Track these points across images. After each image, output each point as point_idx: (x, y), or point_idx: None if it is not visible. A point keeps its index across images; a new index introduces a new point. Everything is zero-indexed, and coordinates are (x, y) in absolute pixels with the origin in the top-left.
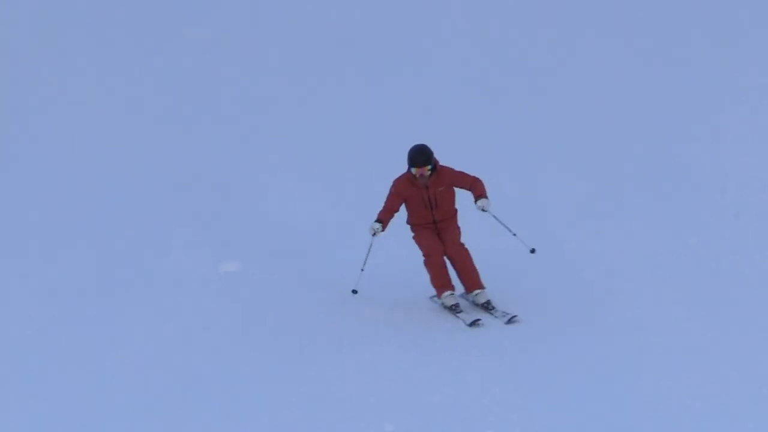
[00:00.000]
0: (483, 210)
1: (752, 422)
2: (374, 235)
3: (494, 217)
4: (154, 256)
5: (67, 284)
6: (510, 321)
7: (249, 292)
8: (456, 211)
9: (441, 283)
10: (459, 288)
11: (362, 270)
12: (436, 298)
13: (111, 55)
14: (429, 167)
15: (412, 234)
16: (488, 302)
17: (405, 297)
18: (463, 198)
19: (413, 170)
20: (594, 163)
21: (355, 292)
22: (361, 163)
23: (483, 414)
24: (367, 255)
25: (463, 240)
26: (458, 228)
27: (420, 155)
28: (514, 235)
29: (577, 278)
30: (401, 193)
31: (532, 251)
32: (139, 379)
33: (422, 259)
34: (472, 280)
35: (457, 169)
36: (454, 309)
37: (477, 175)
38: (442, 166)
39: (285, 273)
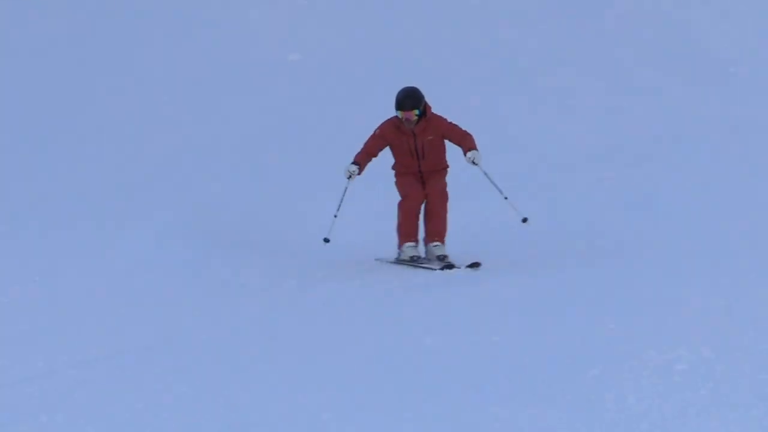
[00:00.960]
0: (473, 163)
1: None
2: (349, 178)
3: (485, 173)
4: None
5: None
6: (446, 267)
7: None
8: (447, 166)
9: (406, 231)
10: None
11: (335, 216)
12: (384, 260)
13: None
14: (416, 112)
15: (395, 177)
16: (444, 257)
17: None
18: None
19: (399, 114)
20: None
21: (326, 240)
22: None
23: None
24: (341, 200)
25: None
26: (445, 184)
27: (407, 98)
28: (506, 198)
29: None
30: (385, 136)
31: (524, 220)
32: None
33: (397, 203)
34: (436, 234)
35: (451, 120)
36: (411, 261)
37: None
38: (433, 114)
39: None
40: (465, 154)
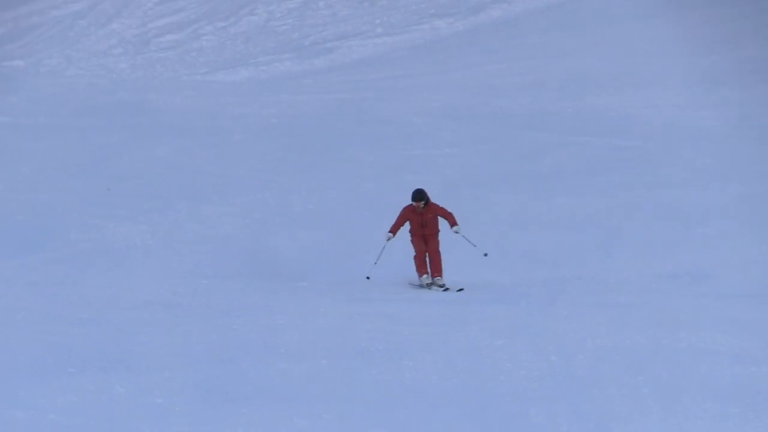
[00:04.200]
0: (456, 233)
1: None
2: (388, 240)
3: (464, 237)
4: None
5: None
6: (445, 289)
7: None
8: (439, 230)
9: (422, 270)
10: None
11: (375, 263)
12: (413, 284)
13: None
14: (423, 203)
15: (410, 238)
16: (443, 285)
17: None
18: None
19: (413, 203)
20: None
21: (368, 278)
22: None
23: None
24: (380, 253)
25: (441, 249)
26: (438, 241)
27: (418, 195)
28: (480, 251)
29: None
30: (406, 216)
31: (485, 255)
32: None
33: (413, 254)
34: (437, 271)
35: (441, 205)
36: (427, 286)
37: (451, 211)
38: (432, 203)
39: None
40: (451, 227)
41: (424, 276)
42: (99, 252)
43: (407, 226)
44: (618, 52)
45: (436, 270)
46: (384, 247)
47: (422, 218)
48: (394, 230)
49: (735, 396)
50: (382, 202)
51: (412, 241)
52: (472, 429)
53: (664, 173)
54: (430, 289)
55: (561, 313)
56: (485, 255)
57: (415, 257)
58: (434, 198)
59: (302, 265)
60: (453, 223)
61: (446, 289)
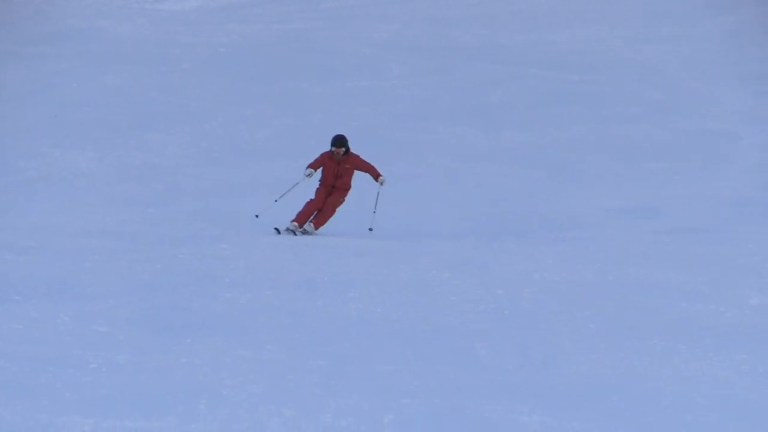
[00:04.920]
0: (382, 184)
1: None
2: (308, 176)
3: (377, 195)
4: None
5: None
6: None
7: None
8: (350, 187)
9: (302, 218)
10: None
11: (276, 201)
12: (278, 228)
13: None
14: (343, 149)
15: (318, 186)
16: (305, 231)
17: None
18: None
19: (333, 149)
20: None
21: (257, 216)
22: None
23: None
24: (288, 190)
25: (339, 209)
26: (342, 200)
27: (337, 140)
28: (374, 212)
29: None
30: (322, 161)
31: (370, 230)
32: None
33: (308, 199)
34: (317, 224)
35: (364, 158)
36: (287, 231)
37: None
38: (352, 153)
39: None
40: (376, 180)
41: (294, 224)
42: (45, 180)
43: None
44: None
45: (318, 221)
46: (296, 184)
47: (338, 168)
48: (313, 167)
49: (682, 332)
50: (329, 133)
51: (317, 189)
52: (416, 362)
53: (613, 108)
54: (287, 233)
55: (508, 247)
56: (370, 230)
57: (308, 202)
58: (382, 129)
59: (249, 196)
60: (377, 174)
61: (303, 231)
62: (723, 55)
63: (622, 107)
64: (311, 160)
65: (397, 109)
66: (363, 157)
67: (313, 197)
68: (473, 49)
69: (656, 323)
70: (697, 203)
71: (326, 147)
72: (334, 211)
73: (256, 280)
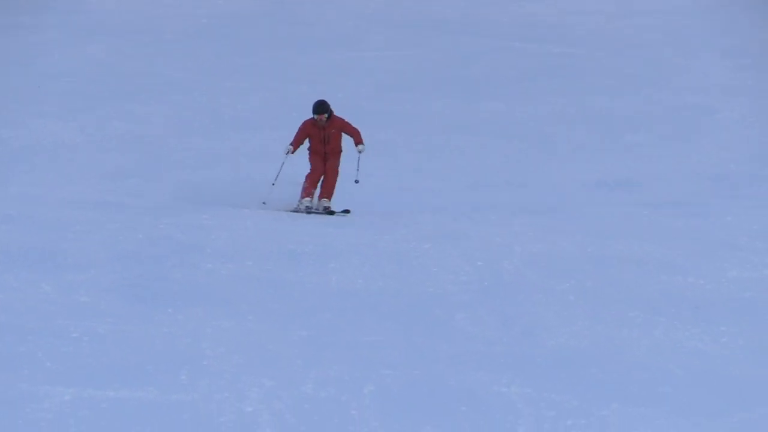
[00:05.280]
0: (359, 152)
1: None
2: (287, 153)
3: (358, 160)
4: None
5: None
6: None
7: None
8: (341, 150)
9: (308, 192)
10: None
11: (273, 184)
12: (287, 209)
13: None
14: (325, 115)
15: (308, 155)
16: (327, 208)
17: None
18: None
19: (315, 116)
20: None
21: (264, 203)
22: None
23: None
24: (279, 171)
25: (339, 170)
26: (339, 162)
27: (319, 106)
28: (356, 182)
29: None
30: (305, 130)
31: (356, 182)
32: None
33: (306, 172)
34: (327, 192)
35: (347, 120)
36: (305, 210)
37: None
38: (335, 116)
39: None
40: (356, 146)
41: (306, 199)
42: (27, 150)
43: (307, 144)
44: None
45: (326, 190)
46: (282, 164)
47: (324, 133)
48: (294, 144)
49: (660, 304)
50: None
51: (310, 158)
52: (396, 333)
53: (593, 81)
54: (308, 213)
55: (488, 218)
56: (356, 182)
57: (308, 175)
58: (364, 101)
59: (232, 167)
60: (359, 141)
61: (330, 212)
62: (703, 28)
63: (601, 80)
64: (295, 131)
65: (379, 80)
66: (347, 120)
67: (308, 171)
68: (454, 22)
69: (635, 295)
70: (676, 176)
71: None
72: (336, 173)
73: (238, 251)
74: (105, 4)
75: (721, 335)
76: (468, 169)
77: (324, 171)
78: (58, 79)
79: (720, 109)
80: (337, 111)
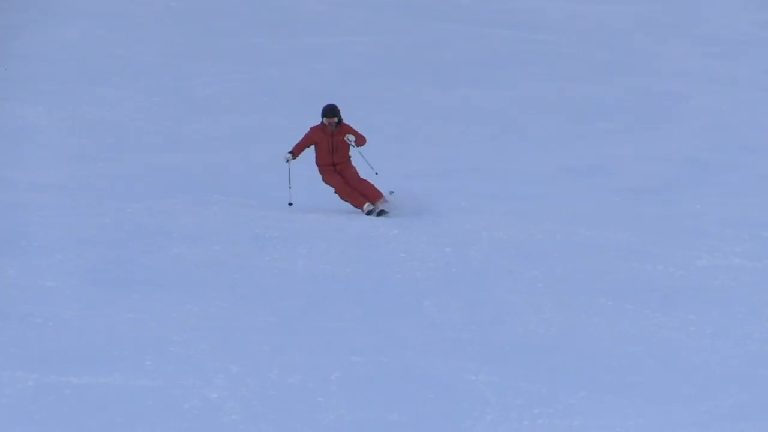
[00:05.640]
0: (348, 141)
1: None
2: (287, 161)
3: (360, 153)
4: None
5: None
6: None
7: None
8: (350, 156)
9: (358, 202)
10: None
11: (290, 188)
12: (364, 213)
13: None
14: (335, 119)
15: (321, 176)
16: (383, 210)
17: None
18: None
19: (324, 120)
20: None
21: (290, 204)
22: None
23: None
24: (289, 176)
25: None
26: (354, 167)
27: (330, 110)
28: (376, 173)
29: None
30: (312, 138)
31: (376, 173)
32: None
33: (333, 192)
34: (376, 196)
35: (354, 128)
36: (378, 214)
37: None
38: (344, 123)
39: None
40: (351, 139)
41: (366, 204)
42: None
43: (312, 153)
44: None
45: (375, 195)
46: (289, 170)
47: (332, 141)
48: (295, 151)
49: (629, 292)
50: (283, 88)
51: (324, 178)
52: (364, 318)
53: (566, 67)
54: (380, 215)
55: (457, 204)
56: (376, 173)
57: (338, 193)
58: (336, 86)
59: (201, 152)
60: (361, 142)
61: (382, 212)
62: (676, 16)
63: (575, 67)
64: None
65: (351, 66)
66: (355, 128)
67: (335, 189)
68: (427, 7)
69: (604, 283)
70: (646, 164)
71: (285, 105)
72: (364, 179)
73: (205, 235)
74: None
75: (689, 324)
76: (439, 155)
77: (349, 184)
78: (26, 61)
79: (692, 96)
80: (309, 97)
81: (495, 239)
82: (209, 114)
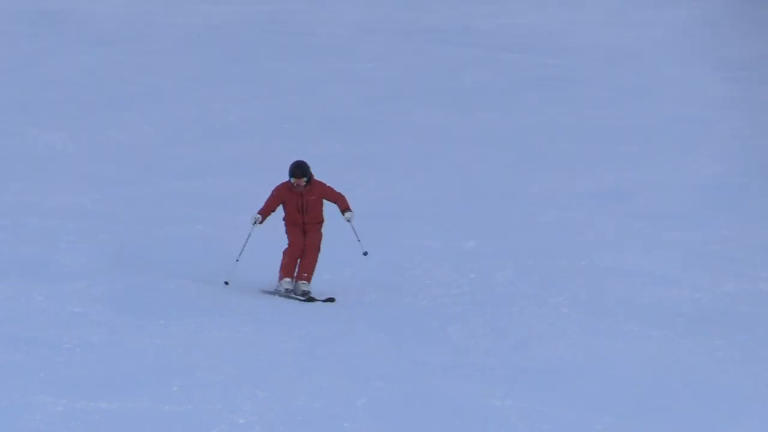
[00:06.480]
0: (348, 221)
1: None
2: (254, 224)
3: (353, 229)
4: None
5: None
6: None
7: None
8: (323, 220)
9: (286, 272)
10: None
11: (237, 260)
12: (266, 290)
13: None
14: (304, 179)
15: (285, 227)
16: (306, 293)
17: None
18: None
19: (292, 180)
20: None
21: (226, 283)
22: None
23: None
24: (244, 244)
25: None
26: (321, 234)
27: (297, 169)
28: (365, 254)
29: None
30: (280, 196)
31: (365, 254)
32: None
33: (284, 247)
34: (306, 270)
35: (329, 184)
36: (285, 293)
37: (343, 192)
38: (316, 180)
39: None
40: (342, 213)
41: (286, 280)
42: (21, 158)
43: (281, 212)
44: None
45: (305, 269)
46: (249, 235)
47: (302, 200)
48: (263, 213)
49: (655, 318)
50: (303, 114)
51: (287, 231)
52: (389, 345)
53: (586, 92)
54: (288, 297)
55: (481, 230)
56: (365, 254)
57: (286, 251)
58: (355, 111)
59: (223, 176)
60: (345, 207)
61: (309, 299)
62: (696, 40)
63: (594, 91)
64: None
65: (371, 91)
66: (329, 184)
67: (286, 245)
68: (446, 32)
69: (629, 308)
70: (669, 188)
71: (305, 130)
72: (318, 250)
73: (231, 261)
74: (98, 14)
75: (716, 349)
76: (459, 180)
77: (303, 248)
78: (51, 87)
79: (713, 121)
80: (329, 122)
81: (519, 265)
82: (230, 139)
